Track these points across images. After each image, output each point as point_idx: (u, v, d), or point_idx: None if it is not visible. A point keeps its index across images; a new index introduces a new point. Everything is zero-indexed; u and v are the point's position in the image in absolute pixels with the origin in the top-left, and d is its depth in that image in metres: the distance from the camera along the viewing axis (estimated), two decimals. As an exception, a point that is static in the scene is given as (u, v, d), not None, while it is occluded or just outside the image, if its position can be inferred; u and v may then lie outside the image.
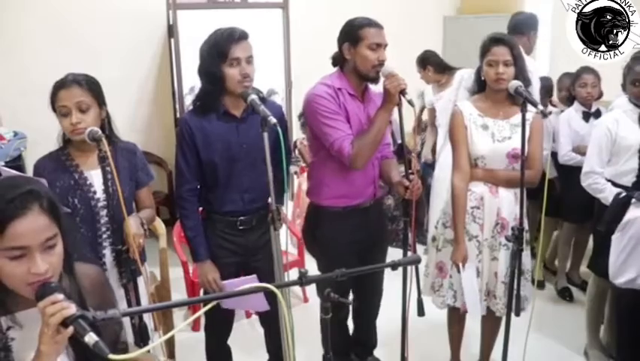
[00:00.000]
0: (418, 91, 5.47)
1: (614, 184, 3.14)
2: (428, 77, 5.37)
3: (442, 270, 2.97)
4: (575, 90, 4.13)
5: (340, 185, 2.82)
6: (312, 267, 1.79)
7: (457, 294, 2.94)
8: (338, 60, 2.81)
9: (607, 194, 3.12)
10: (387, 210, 5.24)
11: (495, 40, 2.75)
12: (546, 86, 4.46)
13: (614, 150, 3.16)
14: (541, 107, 2.51)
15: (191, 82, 2.47)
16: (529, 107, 2.58)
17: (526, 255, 2.84)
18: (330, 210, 2.88)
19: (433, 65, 5.27)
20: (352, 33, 2.69)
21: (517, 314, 2.73)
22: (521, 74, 2.74)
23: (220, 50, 2.45)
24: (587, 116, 4.10)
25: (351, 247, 2.87)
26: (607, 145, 3.16)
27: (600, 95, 4.15)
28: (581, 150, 3.93)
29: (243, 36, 2.48)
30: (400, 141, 4.19)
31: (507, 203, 2.83)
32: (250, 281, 2.53)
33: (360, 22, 2.69)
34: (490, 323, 3.11)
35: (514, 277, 2.67)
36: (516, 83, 2.62)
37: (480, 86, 2.90)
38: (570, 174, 3.93)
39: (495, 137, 2.79)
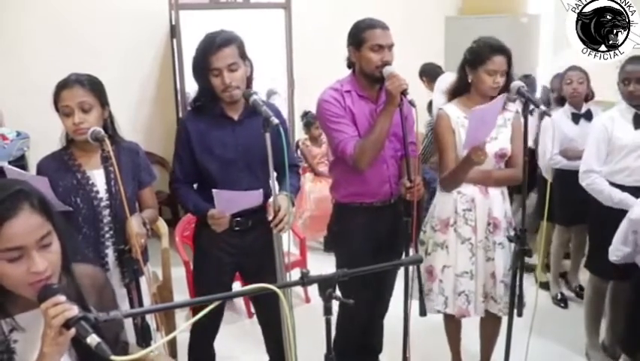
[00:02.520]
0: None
1: (610, 183, 3.14)
2: (427, 87, 5.58)
3: (432, 274, 2.94)
4: (563, 89, 4.04)
5: (354, 183, 2.85)
6: (314, 267, 1.79)
7: (449, 300, 2.91)
8: (351, 62, 2.84)
9: (606, 195, 3.12)
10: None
11: (496, 50, 2.73)
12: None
13: (609, 149, 3.16)
14: (543, 107, 2.53)
15: (193, 83, 2.50)
16: (510, 106, 2.78)
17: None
18: (347, 206, 2.93)
19: (427, 76, 5.56)
20: (356, 36, 2.72)
21: (520, 315, 2.73)
22: (510, 79, 2.77)
23: (201, 61, 2.49)
24: (576, 118, 3.98)
25: (367, 244, 2.89)
26: (604, 142, 3.17)
27: (590, 95, 4.04)
28: (568, 154, 3.88)
29: (223, 43, 2.46)
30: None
31: (497, 202, 2.86)
32: (255, 196, 2.51)
33: (363, 24, 2.71)
34: (490, 326, 3.11)
35: (516, 277, 2.67)
36: (518, 83, 2.64)
37: (463, 88, 2.89)
38: (560, 176, 3.91)
39: None
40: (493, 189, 2.87)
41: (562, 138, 3.97)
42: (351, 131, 2.73)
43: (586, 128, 3.81)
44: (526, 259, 2.96)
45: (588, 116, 3.96)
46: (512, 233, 2.75)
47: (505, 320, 2.86)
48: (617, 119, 3.15)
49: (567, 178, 3.45)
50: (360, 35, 2.69)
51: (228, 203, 2.50)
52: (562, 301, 4.26)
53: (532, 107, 2.60)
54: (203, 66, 2.49)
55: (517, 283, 2.69)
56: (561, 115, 4.01)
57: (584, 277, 4.19)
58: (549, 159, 4.00)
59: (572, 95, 3.96)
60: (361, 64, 2.73)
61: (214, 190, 2.45)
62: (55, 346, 1.30)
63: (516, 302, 2.70)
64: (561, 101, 4.13)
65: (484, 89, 2.77)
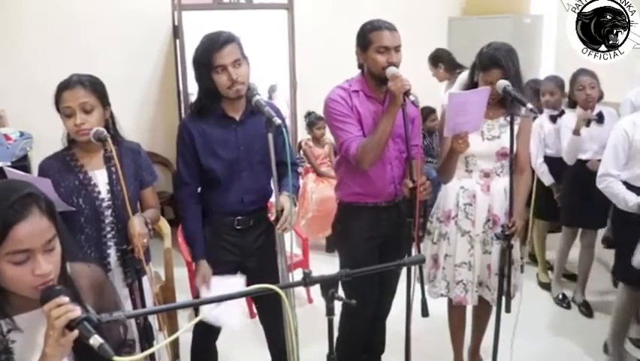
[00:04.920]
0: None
1: (630, 187, 3.10)
2: (439, 75, 5.44)
3: (437, 262, 3.07)
4: (574, 94, 3.92)
5: (358, 183, 2.86)
6: (316, 267, 1.79)
7: (450, 285, 3.03)
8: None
9: (621, 198, 3.09)
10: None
11: (493, 64, 2.77)
12: (534, 89, 4.48)
13: (630, 153, 3.12)
14: (530, 105, 2.56)
15: (196, 84, 2.51)
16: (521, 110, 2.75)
17: (514, 245, 2.94)
18: (351, 206, 2.94)
19: (445, 63, 5.36)
20: (362, 37, 2.73)
21: (508, 311, 2.78)
22: (517, 83, 2.78)
23: (205, 59, 2.49)
24: (587, 121, 3.88)
25: (370, 244, 2.91)
26: (623, 147, 3.13)
27: (600, 96, 3.93)
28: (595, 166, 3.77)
29: (227, 41, 2.48)
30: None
31: (498, 199, 2.92)
32: (237, 282, 2.49)
33: (370, 26, 2.71)
34: (482, 311, 3.21)
35: (504, 274, 2.77)
36: (504, 82, 2.67)
37: (471, 87, 2.93)
38: (569, 176, 3.92)
39: (485, 135, 2.90)
40: (495, 186, 2.92)
41: (575, 142, 3.88)
42: (355, 130, 2.74)
43: (596, 131, 3.82)
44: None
45: (600, 118, 3.89)
46: (500, 230, 2.79)
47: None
48: (639, 123, 3.11)
49: (575, 179, 3.37)
50: (367, 37, 2.69)
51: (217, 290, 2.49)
52: (563, 302, 4.24)
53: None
54: (207, 64, 2.49)
55: (505, 279, 2.77)
56: (571, 119, 3.93)
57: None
58: (538, 167, 4.07)
59: (586, 102, 3.85)
60: (368, 65, 2.74)
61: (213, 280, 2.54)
62: (58, 347, 1.30)
63: (504, 298, 2.78)
64: (572, 105, 4.03)
65: None
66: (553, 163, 4.20)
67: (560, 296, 4.28)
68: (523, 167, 2.96)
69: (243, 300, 2.56)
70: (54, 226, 1.39)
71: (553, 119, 4.22)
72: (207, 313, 2.42)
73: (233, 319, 2.51)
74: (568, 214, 4.08)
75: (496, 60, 2.76)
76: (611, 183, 3.15)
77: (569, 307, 4.21)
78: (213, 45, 2.47)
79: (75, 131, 2.33)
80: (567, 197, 4.03)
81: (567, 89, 4.29)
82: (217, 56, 2.46)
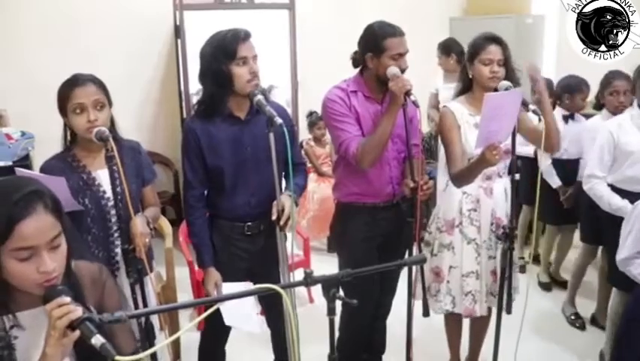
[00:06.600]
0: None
1: (616, 190, 3.09)
2: (449, 65, 5.27)
3: (439, 275, 2.97)
4: (605, 98, 3.68)
5: (356, 183, 2.86)
6: (318, 267, 1.79)
7: (456, 300, 2.95)
8: (358, 62, 2.82)
9: (605, 201, 3.10)
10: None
11: (490, 39, 2.74)
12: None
13: (615, 155, 3.13)
14: (532, 106, 2.55)
15: (197, 84, 2.49)
16: None
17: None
18: (349, 206, 2.93)
19: (457, 54, 5.18)
20: (375, 43, 2.68)
21: (509, 312, 2.74)
22: (512, 74, 2.76)
23: (227, 50, 2.44)
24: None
25: (369, 244, 2.91)
26: (609, 149, 3.13)
27: (631, 102, 3.48)
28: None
29: (247, 35, 2.47)
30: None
31: (500, 202, 2.88)
32: (247, 287, 2.53)
33: (383, 32, 2.67)
34: (481, 320, 3.11)
35: (505, 275, 2.70)
36: (506, 83, 2.65)
37: (466, 86, 2.89)
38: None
39: None
40: (497, 189, 2.88)
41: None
42: (354, 130, 2.73)
43: None
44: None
45: None
46: (501, 232, 2.73)
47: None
48: (624, 125, 3.10)
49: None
50: (382, 43, 2.65)
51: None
52: (576, 322, 3.97)
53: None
54: (230, 54, 2.43)
55: (507, 281, 2.72)
56: (598, 121, 3.77)
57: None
58: (546, 168, 4.03)
59: (617, 109, 3.60)
60: (379, 71, 2.70)
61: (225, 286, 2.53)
62: (60, 347, 1.30)
63: (505, 300, 2.74)
64: (599, 107, 3.84)
65: (482, 80, 2.76)
66: (561, 165, 4.13)
67: (573, 316, 4.01)
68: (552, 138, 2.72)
69: (257, 304, 2.57)
70: (60, 224, 1.39)
71: (566, 120, 4.09)
72: (228, 320, 2.45)
73: (254, 323, 2.52)
74: (591, 231, 3.75)
75: (491, 36, 2.72)
76: (595, 185, 3.16)
77: (582, 327, 3.94)
78: (238, 37, 2.44)
79: (87, 128, 2.30)
80: (590, 212, 3.68)
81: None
82: (242, 47, 2.44)
